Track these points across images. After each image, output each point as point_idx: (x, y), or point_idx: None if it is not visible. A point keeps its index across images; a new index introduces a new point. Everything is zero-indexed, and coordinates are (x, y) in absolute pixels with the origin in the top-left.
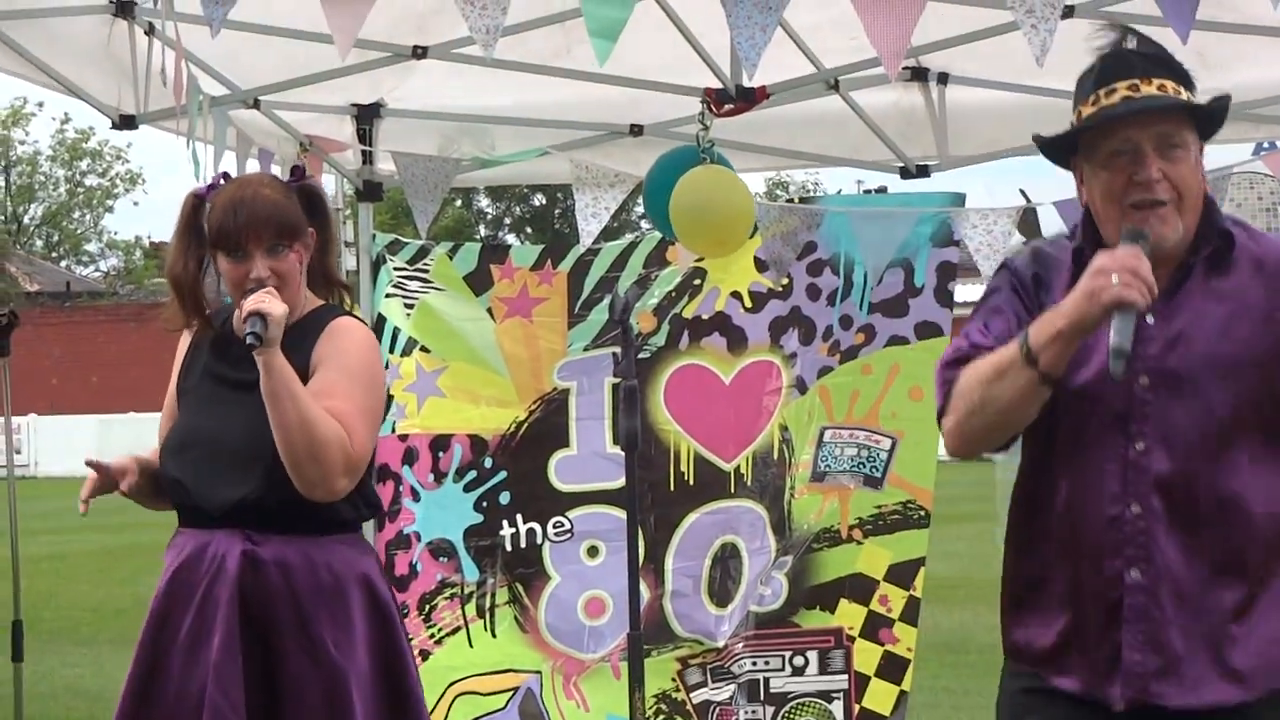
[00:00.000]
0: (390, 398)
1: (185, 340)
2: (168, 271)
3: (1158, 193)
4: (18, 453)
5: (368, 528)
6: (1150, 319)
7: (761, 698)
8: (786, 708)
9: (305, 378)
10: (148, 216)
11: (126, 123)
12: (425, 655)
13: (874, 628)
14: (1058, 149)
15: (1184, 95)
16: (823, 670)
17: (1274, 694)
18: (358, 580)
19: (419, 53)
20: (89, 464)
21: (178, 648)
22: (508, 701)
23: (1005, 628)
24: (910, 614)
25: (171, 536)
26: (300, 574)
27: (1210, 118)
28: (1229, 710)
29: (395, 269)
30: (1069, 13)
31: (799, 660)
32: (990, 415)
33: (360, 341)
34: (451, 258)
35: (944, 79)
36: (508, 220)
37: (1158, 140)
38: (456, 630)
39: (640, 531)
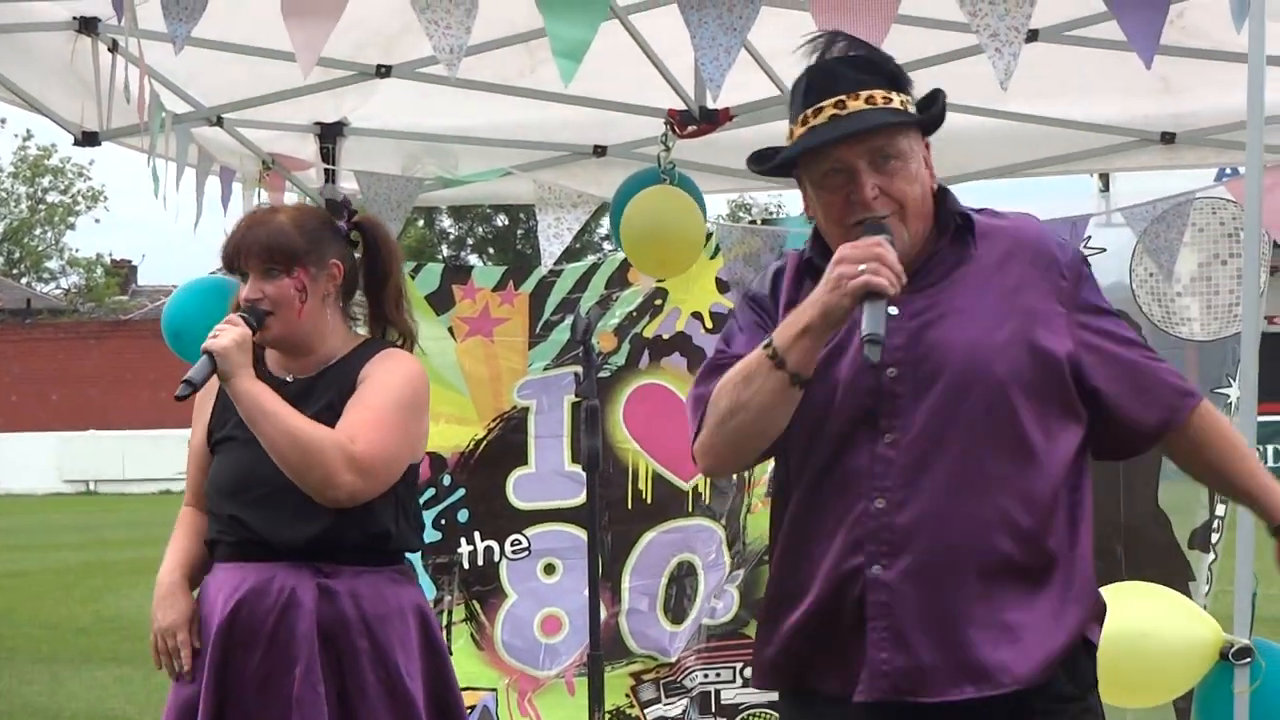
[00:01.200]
0: None
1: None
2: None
3: (876, 209)
4: None
5: None
6: (894, 310)
7: (713, 710)
8: (738, 718)
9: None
10: (110, 234)
11: (89, 140)
12: None
13: None
14: (777, 169)
15: (895, 100)
16: None
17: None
18: (415, 612)
19: (383, 71)
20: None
21: (248, 681)
22: None
23: None
24: None
25: (211, 572)
26: (371, 604)
27: (926, 123)
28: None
29: None
30: (1033, 37)
31: (749, 671)
32: (740, 422)
33: (407, 368)
34: (414, 277)
35: None
36: (470, 240)
37: (870, 156)
38: None
39: (604, 549)
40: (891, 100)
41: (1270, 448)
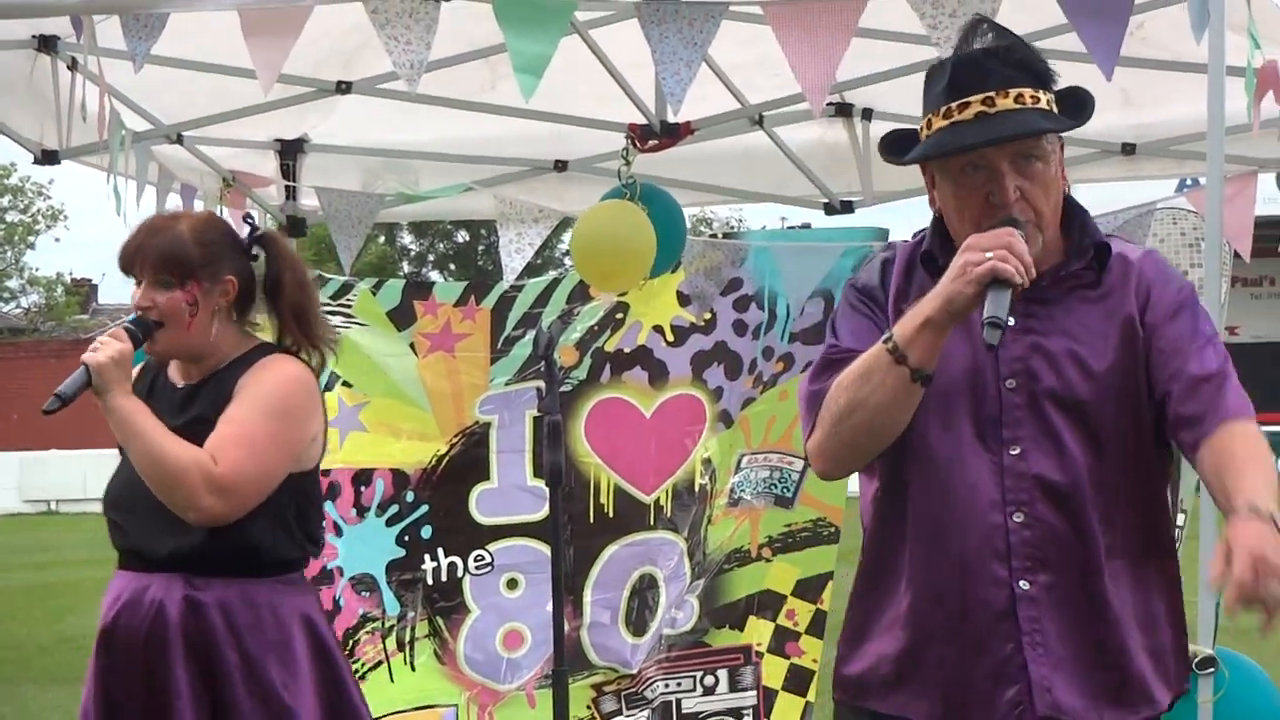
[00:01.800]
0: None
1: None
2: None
3: (1015, 213)
4: None
5: None
6: (1013, 321)
7: (674, 719)
8: None
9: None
10: (70, 253)
11: (49, 158)
12: None
13: (781, 642)
14: (910, 160)
15: (1043, 100)
16: (733, 688)
17: None
18: (300, 621)
19: (343, 88)
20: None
21: (133, 685)
22: None
23: None
24: (816, 627)
25: (111, 578)
26: (242, 616)
27: (1074, 127)
28: None
29: (321, 305)
30: None
31: (709, 680)
32: (859, 422)
33: (282, 374)
34: (375, 293)
35: (868, 115)
36: (431, 257)
37: (1014, 157)
38: (378, 664)
39: (565, 562)
40: (1039, 100)
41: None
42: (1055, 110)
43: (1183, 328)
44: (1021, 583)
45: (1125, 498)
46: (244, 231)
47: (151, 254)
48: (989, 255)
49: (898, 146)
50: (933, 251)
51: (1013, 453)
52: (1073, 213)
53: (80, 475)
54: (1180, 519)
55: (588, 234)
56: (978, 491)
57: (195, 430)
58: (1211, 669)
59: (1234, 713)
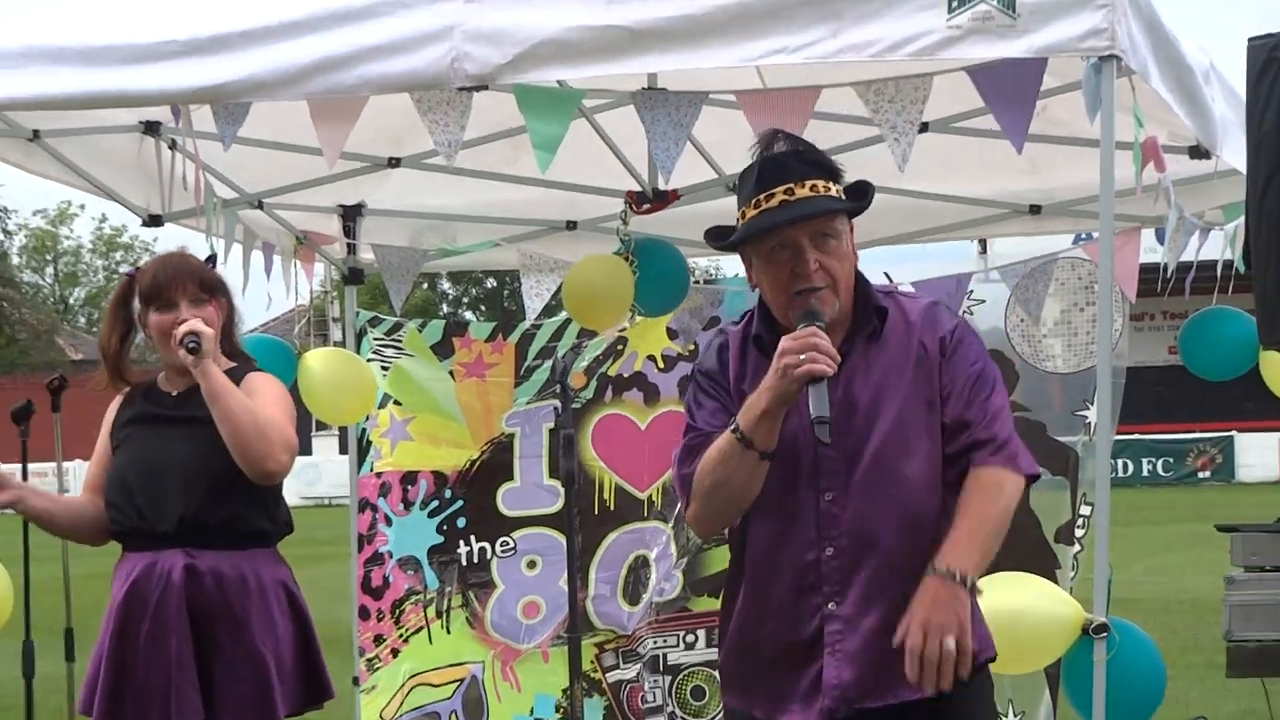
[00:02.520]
0: (369, 443)
1: (115, 403)
2: (100, 343)
3: (816, 281)
4: (66, 490)
5: (349, 554)
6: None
7: (660, 669)
8: (680, 675)
9: None
10: None
11: (154, 221)
12: (395, 652)
13: None
14: (729, 244)
15: (834, 190)
16: (709, 644)
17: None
18: (276, 586)
19: (393, 163)
20: None
21: (140, 649)
22: (454, 692)
23: None
24: None
25: (118, 560)
26: (232, 582)
27: (859, 209)
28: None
29: (374, 339)
30: (924, 128)
31: (690, 638)
32: (724, 496)
33: (273, 383)
34: (420, 331)
35: None
36: (466, 300)
37: (812, 235)
38: (420, 630)
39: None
40: (830, 190)
41: (1120, 460)
42: (843, 197)
43: (955, 369)
44: (830, 605)
45: (922, 517)
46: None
47: (190, 278)
48: (802, 358)
49: (720, 235)
50: (760, 333)
51: (826, 499)
52: (859, 285)
53: None
54: (1086, 509)
55: (574, 281)
56: (799, 530)
57: (193, 429)
58: (1105, 633)
59: (1123, 670)
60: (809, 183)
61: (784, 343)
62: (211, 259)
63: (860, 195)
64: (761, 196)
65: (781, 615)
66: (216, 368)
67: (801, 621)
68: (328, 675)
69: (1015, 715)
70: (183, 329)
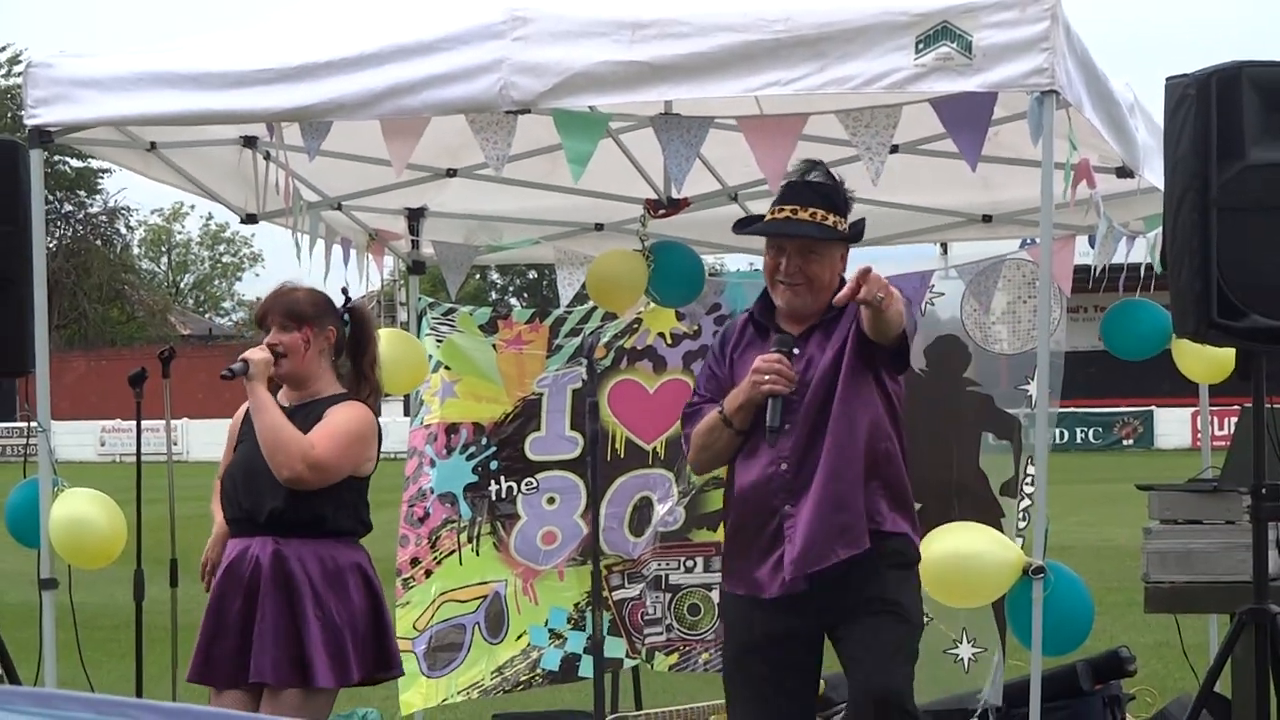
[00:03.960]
0: (421, 402)
1: (243, 407)
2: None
3: (792, 279)
4: (176, 445)
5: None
6: (798, 349)
7: (662, 588)
8: (679, 594)
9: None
10: (266, 284)
11: (250, 220)
12: (428, 573)
13: None
14: (744, 231)
15: (830, 220)
16: (706, 569)
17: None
18: (353, 569)
19: (451, 173)
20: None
21: (233, 621)
22: (478, 607)
23: None
24: None
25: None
26: (313, 566)
27: (843, 239)
28: None
29: (433, 319)
30: (894, 150)
31: (690, 563)
32: (710, 454)
33: (358, 412)
34: (471, 315)
35: None
36: (511, 289)
37: (800, 246)
38: (452, 553)
39: (589, 488)
40: (827, 219)
41: (1057, 430)
42: (840, 227)
43: None
44: (785, 507)
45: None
46: (340, 301)
47: (280, 308)
48: (767, 379)
49: (744, 223)
50: (753, 314)
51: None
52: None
53: None
54: (1032, 469)
55: (596, 270)
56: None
57: None
58: (1042, 575)
59: (1057, 606)
60: (811, 209)
61: (758, 361)
62: (346, 298)
63: (855, 231)
64: (776, 208)
65: (753, 522)
66: (262, 389)
67: (767, 522)
68: (396, 648)
69: (968, 642)
70: (245, 354)
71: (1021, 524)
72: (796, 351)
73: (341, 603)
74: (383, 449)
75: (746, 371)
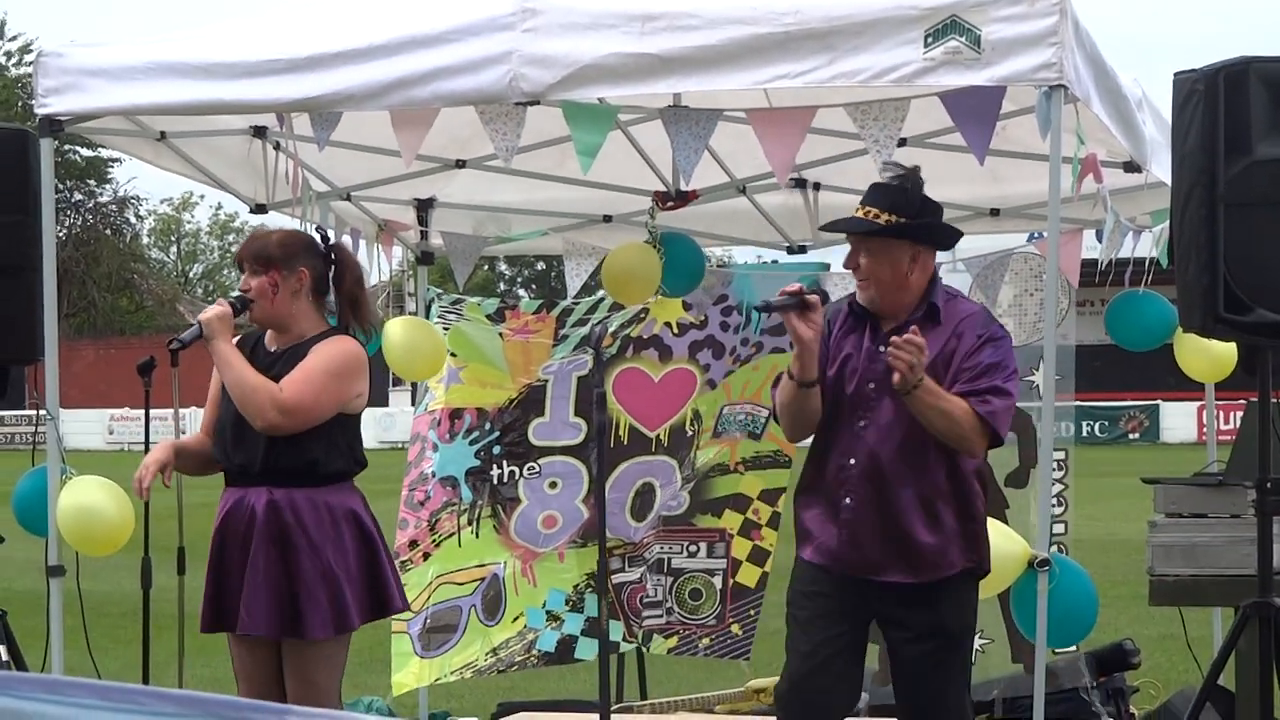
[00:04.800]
0: (426, 388)
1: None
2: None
3: (858, 274)
4: (184, 433)
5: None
6: (882, 349)
7: (664, 571)
8: (681, 578)
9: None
10: None
11: (259, 209)
12: (426, 556)
13: (747, 529)
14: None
15: (883, 219)
16: (709, 555)
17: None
18: (347, 515)
19: (460, 164)
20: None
21: (232, 571)
22: (474, 589)
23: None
24: (774, 522)
25: (222, 492)
26: (307, 513)
27: (913, 235)
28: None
29: (440, 308)
30: (902, 143)
31: (693, 548)
32: (789, 416)
33: (340, 346)
34: (479, 305)
35: (817, 186)
36: (519, 280)
37: (866, 243)
38: (451, 535)
39: (592, 474)
40: (879, 217)
41: (1063, 423)
42: (902, 226)
43: (980, 356)
44: (847, 499)
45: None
46: (320, 241)
47: (247, 253)
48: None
49: (832, 226)
50: (852, 303)
51: (860, 425)
52: (930, 286)
53: None
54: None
55: (613, 263)
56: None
57: (279, 381)
58: (1047, 567)
59: (1062, 598)
60: (873, 210)
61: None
62: (324, 236)
63: (913, 228)
64: (859, 205)
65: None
66: (223, 344)
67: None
68: (393, 589)
69: (975, 633)
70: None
71: (1058, 509)
72: (882, 350)
73: (338, 552)
74: (395, 438)
75: (834, 360)
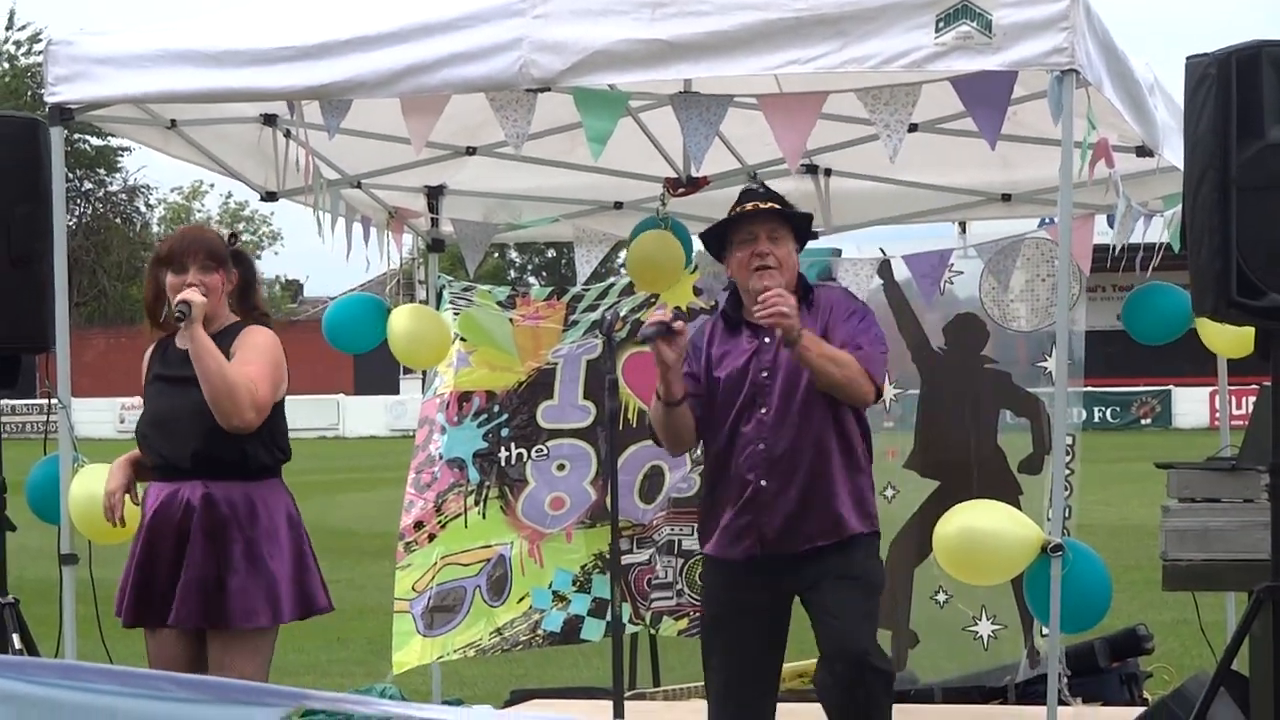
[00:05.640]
0: (435, 373)
1: (148, 351)
2: (144, 297)
3: (769, 261)
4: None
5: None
6: (768, 339)
7: (674, 553)
8: (691, 560)
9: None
10: (285, 261)
11: (270, 197)
12: (432, 537)
13: None
14: (714, 243)
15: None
16: None
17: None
18: (283, 512)
19: (470, 151)
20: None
21: (164, 565)
22: (479, 570)
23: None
24: None
25: (146, 488)
26: (243, 509)
27: (802, 225)
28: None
29: (451, 294)
30: (913, 128)
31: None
32: (664, 436)
33: (266, 336)
34: (490, 292)
35: (828, 172)
36: (529, 266)
37: (768, 232)
38: (458, 516)
39: (600, 456)
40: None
41: (1074, 409)
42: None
43: (850, 323)
44: (762, 482)
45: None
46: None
47: (202, 248)
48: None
49: (709, 230)
50: (726, 310)
51: (762, 411)
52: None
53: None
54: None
55: (635, 252)
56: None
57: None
58: (1060, 552)
59: (1076, 583)
60: (769, 202)
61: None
62: (233, 237)
63: (807, 217)
64: (738, 207)
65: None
66: (202, 333)
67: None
68: (320, 589)
69: (988, 619)
70: (178, 296)
71: (1064, 494)
72: (768, 341)
73: (273, 546)
74: (406, 425)
75: (721, 365)
